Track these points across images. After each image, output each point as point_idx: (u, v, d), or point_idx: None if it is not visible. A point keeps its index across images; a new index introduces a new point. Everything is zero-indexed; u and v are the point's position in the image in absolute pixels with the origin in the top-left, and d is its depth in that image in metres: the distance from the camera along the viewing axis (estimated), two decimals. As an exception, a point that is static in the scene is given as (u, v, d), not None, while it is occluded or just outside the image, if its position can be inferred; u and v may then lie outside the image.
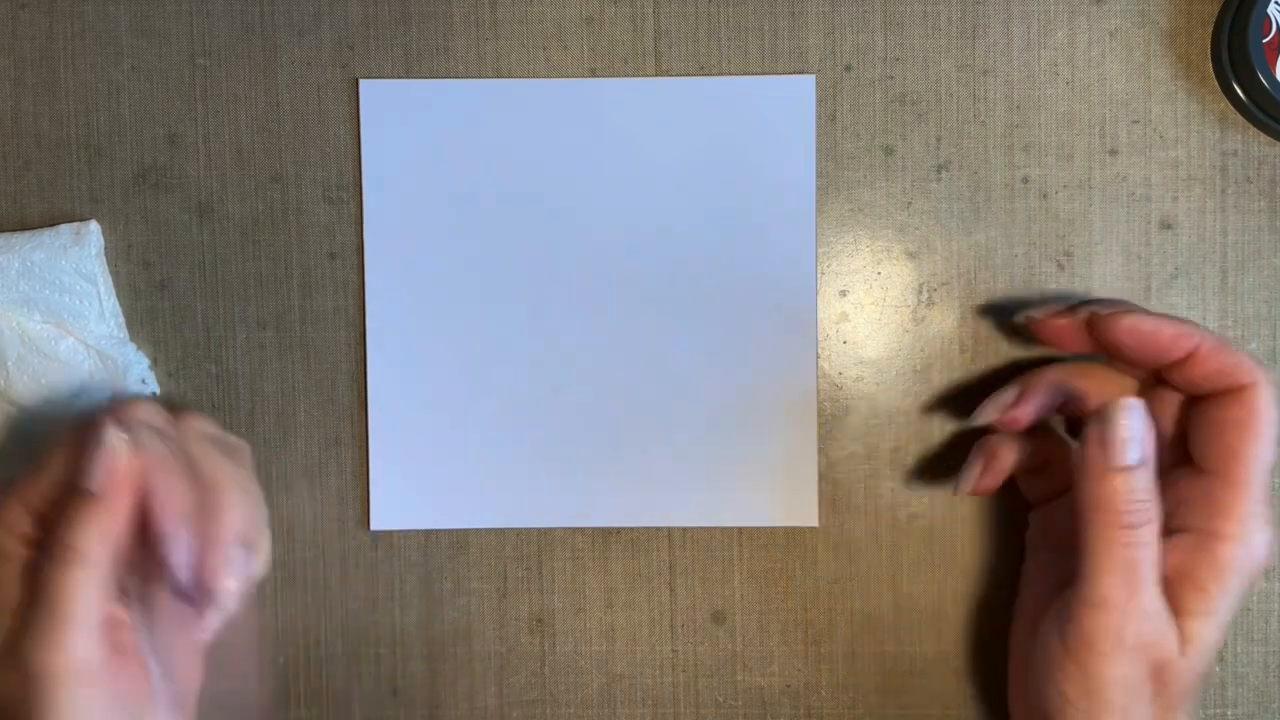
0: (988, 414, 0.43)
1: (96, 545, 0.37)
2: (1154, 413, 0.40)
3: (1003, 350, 0.46)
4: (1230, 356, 0.39)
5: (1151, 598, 0.38)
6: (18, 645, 0.36)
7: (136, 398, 0.40)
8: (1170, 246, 0.46)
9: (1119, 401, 0.38)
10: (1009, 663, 0.44)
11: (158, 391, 0.46)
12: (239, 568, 0.38)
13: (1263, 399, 0.39)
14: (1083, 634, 0.38)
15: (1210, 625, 0.38)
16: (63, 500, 0.37)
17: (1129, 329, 0.40)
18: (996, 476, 0.43)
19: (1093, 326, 0.41)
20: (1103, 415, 0.38)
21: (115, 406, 0.40)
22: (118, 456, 0.37)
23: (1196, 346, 0.39)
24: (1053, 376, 0.42)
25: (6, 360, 0.45)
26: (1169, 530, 0.39)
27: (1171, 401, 0.41)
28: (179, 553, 0.38)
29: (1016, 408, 0.42)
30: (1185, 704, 0.39)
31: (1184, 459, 0.41)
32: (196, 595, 0.38)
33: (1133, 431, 0.38)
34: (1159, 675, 0.38)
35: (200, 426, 0.41)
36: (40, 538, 0.38)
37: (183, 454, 0.39)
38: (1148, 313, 0.40)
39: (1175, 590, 0.39)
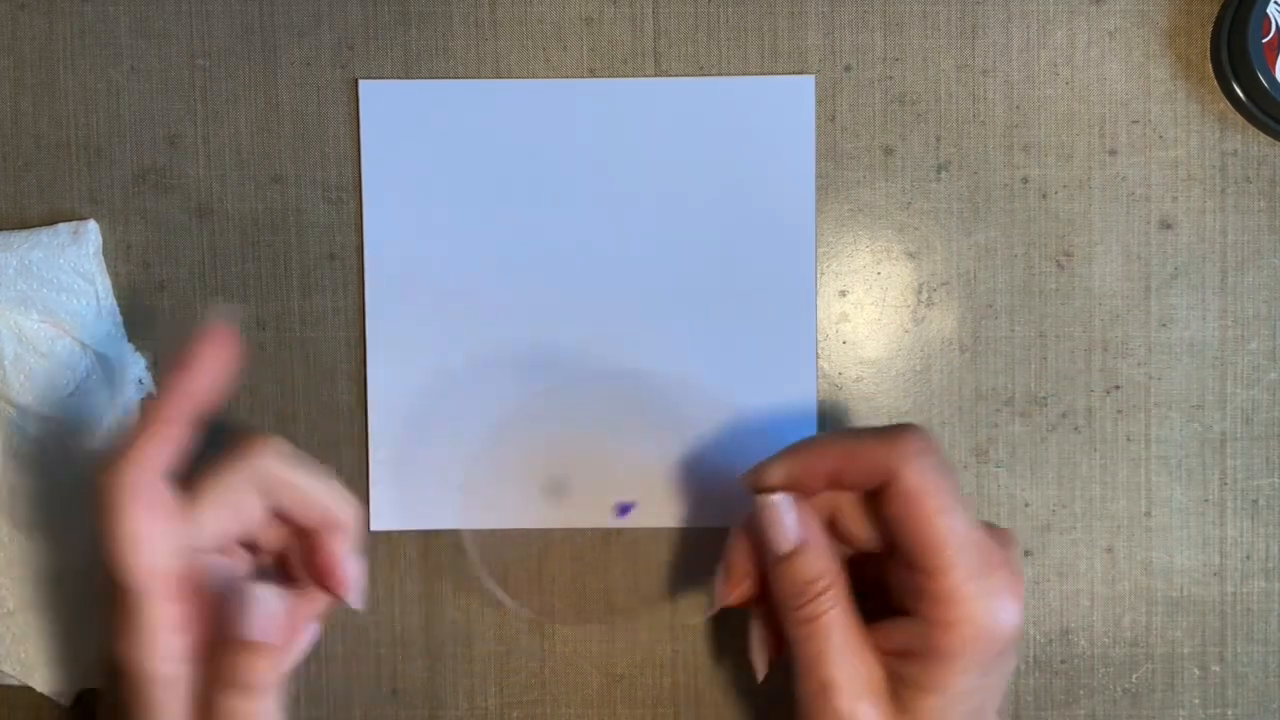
0: (717, 606, 0.42)
1: (270, 680, 0.38)
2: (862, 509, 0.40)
3: (1003, 351, 0.46)
4: (866, 453, 0.38)
5: (846, 674, 0.38)
6: None
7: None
8: (1170, 246, 0.46)
9: (758, 500, 0.39)
10: None
11: (154, 392, 0.46)
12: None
13: (915, 482, 0.37)
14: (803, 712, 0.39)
15: (939, 701, 0.37)
16: (220, 645, 0.38)
17: (774, 479, 0.40)
18: (741, 584, 0.42)
19: (754, 486, 0.41)
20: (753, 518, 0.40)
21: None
22: (272, 615, 0.38)
23: (833, 464, 0.39)
24: (742, 543, 0.42)
25: (3, 359, 0.45)
26: (900, 611, 0.39)
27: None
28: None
29: (731, 588, 0.41)
30: None
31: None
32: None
33: (778, 522, 0.39)
34: None
35: (280, 450, 0.41)
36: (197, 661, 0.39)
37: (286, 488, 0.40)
38: (782, 454, 0.40)
39: (903, 666, 0.38)
